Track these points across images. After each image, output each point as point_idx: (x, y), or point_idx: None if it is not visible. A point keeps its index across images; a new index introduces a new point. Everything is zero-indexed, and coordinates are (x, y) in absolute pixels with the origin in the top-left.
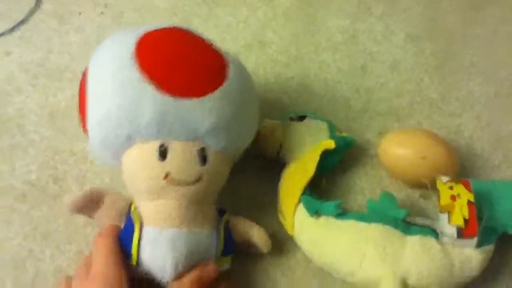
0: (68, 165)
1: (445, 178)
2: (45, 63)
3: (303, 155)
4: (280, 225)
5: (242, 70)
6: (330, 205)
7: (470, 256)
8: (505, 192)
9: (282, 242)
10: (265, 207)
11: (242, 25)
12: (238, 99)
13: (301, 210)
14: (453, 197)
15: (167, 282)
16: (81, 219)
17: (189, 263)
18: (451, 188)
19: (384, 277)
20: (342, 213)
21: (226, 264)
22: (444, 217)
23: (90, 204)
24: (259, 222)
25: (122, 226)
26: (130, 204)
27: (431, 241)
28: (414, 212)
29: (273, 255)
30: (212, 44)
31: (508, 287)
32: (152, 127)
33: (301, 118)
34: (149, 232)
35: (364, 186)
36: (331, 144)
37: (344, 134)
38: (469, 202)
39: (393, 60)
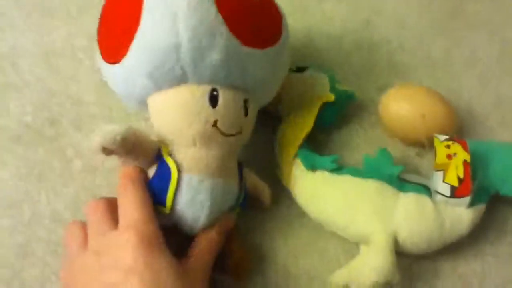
0: (64, 108)
1: (442, 137)
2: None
3: (302, 108)
4: (276, 179)
5: (287, 26)
6: (326, 159)
7: (461, 216)
8: (500, 153)
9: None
10: (259, 161)
11: None
12: (285, 57)
13: (298, 164)
14: (449, 156)
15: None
16: (78, 163)
17: (219, 213)
18: (448, 147)
19: (375, 232)
20: (337, 168)
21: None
22: (439, 175)
23: (128, 143)
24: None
25: (153, 171)
26: (159, 149)
27: (424, 199)
28: (409, 170)
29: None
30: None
31: (493, 244)
32: (215, 68)
33: (301, 69)
34: (189, 180)
35: (360, 142)
36: (330, 97)
37: (345, 88)
38: (465, 162)
39: (398, 15)
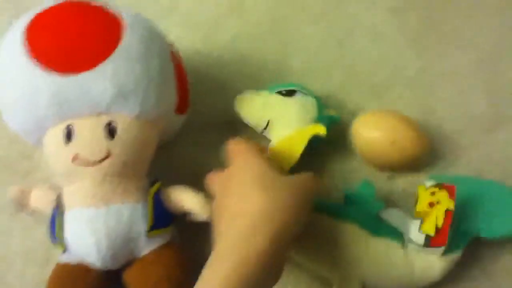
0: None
1: (429, 182)
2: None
3: (290, 135)
4: None
5: (142, 30)
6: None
7: (433, 263)
8: (486, 193)
9: None
10: None
11: None
12: (141, 61)
13: None
14: (431, 204)
15: None
16: None
17: (115, 242)
18: (432, 193)
19: (344, 276)
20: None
21: (165, 234)
22: (415, 223)
23: (21, 201)
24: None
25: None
26: (59, 194)
27: (395, 245)
28: (381, 192)
29: None
30: (106, 11)
31: (481, 283)
32: (51, 111)
33: (291, 93)
34: (68, 216)
35: (335, 167)
36: (321, 130)
37: (331, 112)
38: (447, 210)
39: (375, 33)
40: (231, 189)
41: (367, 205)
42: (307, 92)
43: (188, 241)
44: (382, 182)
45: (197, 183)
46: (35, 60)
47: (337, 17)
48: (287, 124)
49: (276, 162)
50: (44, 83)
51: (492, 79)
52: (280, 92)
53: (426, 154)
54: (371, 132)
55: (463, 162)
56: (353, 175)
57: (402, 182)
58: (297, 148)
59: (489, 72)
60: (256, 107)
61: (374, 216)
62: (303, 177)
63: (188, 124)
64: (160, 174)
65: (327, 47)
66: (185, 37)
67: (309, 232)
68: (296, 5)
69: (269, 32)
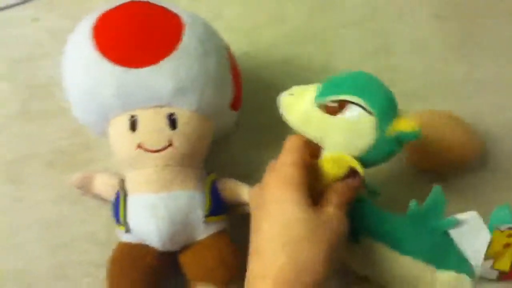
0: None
1: (504, 226)
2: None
3: (332, 157)
4: None
5: (201, 29)
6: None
7: None
8: None
9: None
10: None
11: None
12: (199, 58)
13: None
14: (507, 245)
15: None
16: None
17: (175, 226)
18: (509, 235)
19: None
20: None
21: (221, 222)
22: (487, 263)
23: (85, 185)
24: None
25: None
26: (122, 179)
27: (463, 279)
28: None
29: None
30: (167, 11)
31: None
32: (116, 101)
33: (342, 104)
34: (131, 200)
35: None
36: (358, 168)
37: (402, 128)
38: None
39: (416, 40)
40: (260, 219)
41: (435, 220)
42: (368, 102)
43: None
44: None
45: (248, 181)
46: (102, 54)
47: (377, 24)
48: (332, 147)
49: (318, 178)
50: (110, 75)
51: None
52: (324, 104)
53: (476, 156)
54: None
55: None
56: (395, 177)
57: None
58: (338, 171)
59: None
60: (297, 118)
61: (441, 241)
62: (332, 215)
63: (241, 123)
64: (215, 168)
65: (369, 52)
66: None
67: (365, 262)
68: (336, 11)
69: (311, 37)
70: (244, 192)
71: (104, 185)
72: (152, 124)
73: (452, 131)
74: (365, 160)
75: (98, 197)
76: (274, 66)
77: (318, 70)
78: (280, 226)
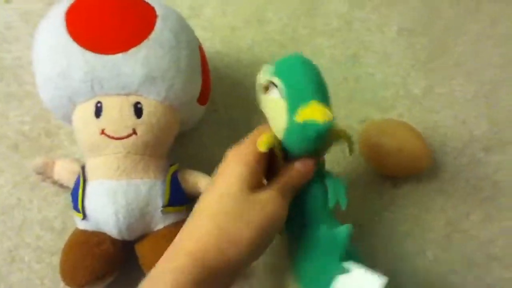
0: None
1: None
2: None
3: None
4: None
5: (174, 21)
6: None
7: None
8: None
9: None
10: None
11: (243, 1)
12: (171, 49)
13: None
14: None
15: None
16: None
17: (133, 214)
18: None
19: None
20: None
21: (180, 213)
22: None
23: (45, 171)
24: None
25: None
26: (83, 165)
27: None
28: (385, 200)
29: None
30: (142, 0)
31: None
32: (84, 86)
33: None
34: (90, 186)
35: (339, 170)
36: (276, 149)
37: (310, 117)
38: None
39: (384, 52)
40: (206, 190)
41: (330, 257)
42: (284, 85)
43: None
44: (386, 188)
45: (208, 173)
46: (74, 39)
47: (349, 34)
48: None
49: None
50: (80, 59)
51: (493, 104)
52: (265, 84)
53: (429, 165)
54: (380, 138)
55: (461, 177)
56: (358, 181)
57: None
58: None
59: (491, 98)
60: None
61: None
62: (269, 198)
63: (207, 118)
64: (178, 160)
65: (338, 62)
66: (207, 39)
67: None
68: (314, 20)
69: (287, 41)
70: (206, 183)
71: (65, 171)
72: (117, 111)
73: (408, 140)
74: (285, 145)
75: (58, 184)
76: (246, 66)
77: None
78: (216, 197)
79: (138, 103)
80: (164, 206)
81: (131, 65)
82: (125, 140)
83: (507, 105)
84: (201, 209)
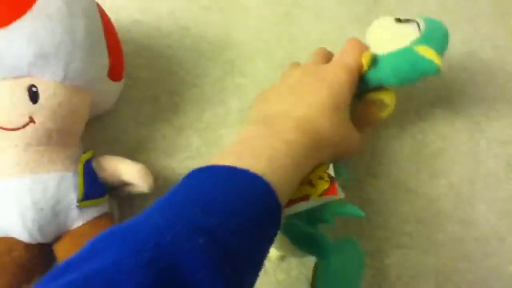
0: None
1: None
2: None
3: None
4: None
5: None
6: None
7: None
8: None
9: None
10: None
11: None
12: (63, 20)
13: None
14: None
15: None
16: None
17: (43, 214)
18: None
19: None
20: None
21: (100, 206)
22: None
23: None
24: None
25: None
26: None
27: None
28: None
29: None
30: None
31: None
32: None
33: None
34: None
35: None
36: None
37: (427, 54)
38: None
39: (319, 7)
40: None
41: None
42: (425, 25)
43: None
44: None
45: (133, 158)
46: None
47: None
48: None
49: None
50: None
51: None
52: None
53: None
54: None
55: None
56: None
57: None
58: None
59: None
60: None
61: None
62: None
63: (126, 97)
64: (95, 147)
65: (270, 23)
66: (122, 7)
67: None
68: None
69: (211, 6)
70: (127, 169)
71: None
72: (8, 98)
73: None
74: (376, 71)
75: None
76: (168, 35)
77: (215, 40)
78: (295, 80)
79: (32, 86)
80: (79, 201)
81: (16, 42)
82: (21, 130)
83: None
84: (277, 91)
